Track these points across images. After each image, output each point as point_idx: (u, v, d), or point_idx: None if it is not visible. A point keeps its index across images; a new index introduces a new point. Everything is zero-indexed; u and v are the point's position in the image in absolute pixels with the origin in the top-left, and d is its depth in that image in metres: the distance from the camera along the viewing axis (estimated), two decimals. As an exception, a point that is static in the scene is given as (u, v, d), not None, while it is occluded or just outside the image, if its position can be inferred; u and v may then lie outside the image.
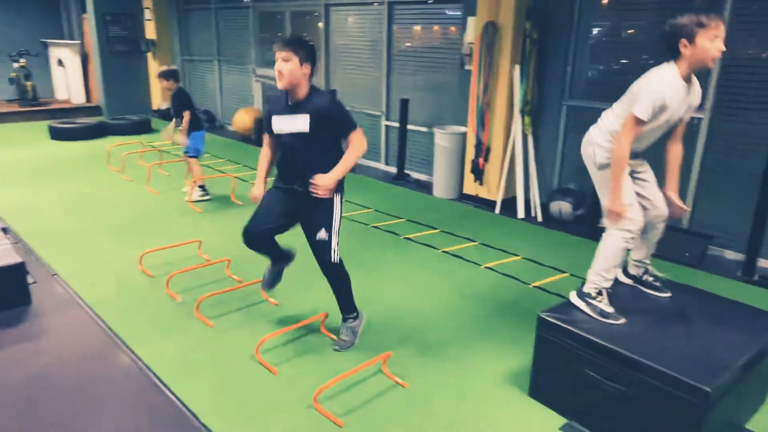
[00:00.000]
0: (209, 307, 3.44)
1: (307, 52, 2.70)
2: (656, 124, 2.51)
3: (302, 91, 2.74)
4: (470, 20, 5.72)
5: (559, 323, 2.52)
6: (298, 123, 2.74)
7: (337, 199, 2.84)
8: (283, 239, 3.06)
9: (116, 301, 3.53)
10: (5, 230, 4.09)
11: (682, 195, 4.84)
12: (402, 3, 6.71)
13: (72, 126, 8.64)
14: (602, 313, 2.60)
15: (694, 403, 2.10)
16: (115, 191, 5.97)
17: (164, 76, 5.51)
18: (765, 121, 4.35)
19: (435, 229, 5.05)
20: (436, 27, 6.56)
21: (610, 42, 5.24)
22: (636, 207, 2.62)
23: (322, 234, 2.81)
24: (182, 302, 3.53)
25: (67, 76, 11.18)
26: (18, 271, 3.39)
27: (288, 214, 2.91)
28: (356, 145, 2.78)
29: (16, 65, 10.40)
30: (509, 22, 5.30)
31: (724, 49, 2.41)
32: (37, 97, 10.58)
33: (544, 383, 2.65)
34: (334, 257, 2.86)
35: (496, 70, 5.49)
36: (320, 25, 7.80)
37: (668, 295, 2.84)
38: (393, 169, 7.09)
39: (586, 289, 2.69)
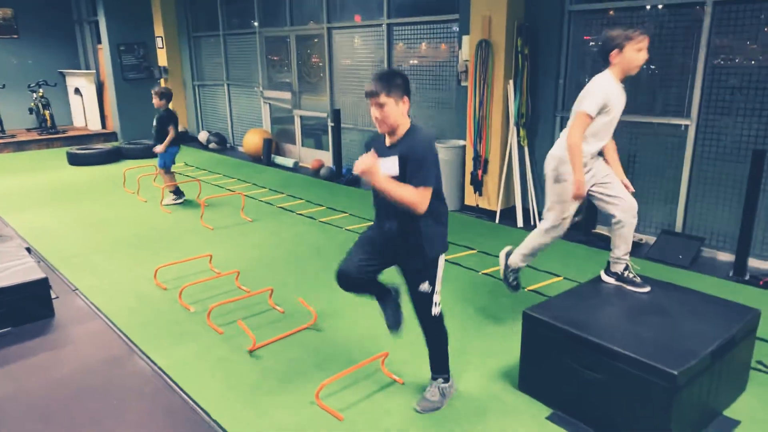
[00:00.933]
0: (219, 315, 3.67)
1: (399, 88, 2.38)
2: (604, 120, 2.95)
3: (399, 132, 2.45)
4: (465, 39, 5.98)
5: (542, 318, 2.71)
6: (388, 165, 2.40)
7: (441, 258, 2.58)
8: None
9: (133, 313, 3.77)
10: (29, 250, 4.36)
11: (673, 199, 5.03)
12: (400, 24, 7.00)
13: (89, 152, 9.01)
14: (632, 282, 3.07)
15: (663, 387, 2.26)
16: (131, 211, 6.26)
17: (161, 95, 6.13)
18: (750, 124, 4.52)
19: (435, 239, 5.25)
20: (433, 46, 6.83)
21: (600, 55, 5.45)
22: (568, 220, 3.18)
23: (425, 286, 2.56)
24: (194, 312, 3.76)
25: (84, 104, 11.64)
26: (42, 287, 3.65)
27: (381, 254, 2.65)
28: (413, 195, 2.35)
29: (35, 95, 10.88)
30: (501, 40, 5.55)
31: (647, 57, 2.88)
32: (55, 125, 11.03)
33: (531, 376, 2.83)
34: (435, 311, 2.61)
35: (490, 85, 5.73)
36: (324, 46, 8.13)
37: (647, 290, 3.01)
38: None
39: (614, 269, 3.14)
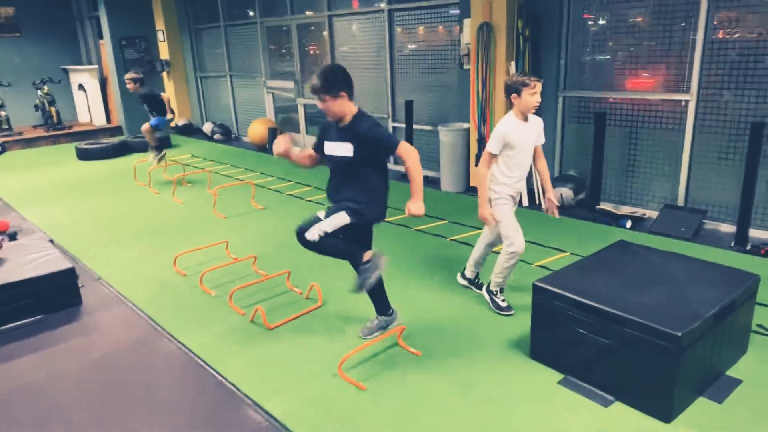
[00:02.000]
0: (239, 299, 3.82)
1: (335, 87, 2.83)
2: (511, 153, 3.34)
3: (346, 119, 2.92)
4: (466, 22, 6.05)
5: (551, 288, 2.84)
6: (342, 149, 2.91)
7: (346, 215, 2.98)
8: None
9: (156, 299, 3.92)
10: (52, 242, 4.50)
11: (675, 174, 5.14)
12: (401, 9, 7.06)
13: (97, 146, 9.14)
14: (498, 307, 3.56)
15: (668, 348, 2.40)
16: (143, 203, 6.40)
17: (135, 81, 6.67)
18: (748, 97, 4.61)
19: (443, 220, 5.39)
20: (434, 30, 6.90)
21: (600, 34, 5.54)
22: (519, 231, 3.42)
23: (320, 214, 3.01)
24: (215, 296, 3.91)
25: (88, 100, 11.74)
26: (69, 276, 3.80)
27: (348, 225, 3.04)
28: (410, 158, 2.85)
29: (40, 92, 10.98)
30: (502, 22, 5.63)
31: (539, 101, 3.28)
32: (61, 121, 11.14)
33: (542, 345, 2.97)
34: (312, 237, 2.95)
35: (493, 67, 5.82)
36: (325, 34, 8.20)
37: (512, 313, 3.52)
38: (401, 168, 7.43)
39: (492, 287, 3.61)
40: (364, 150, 2.90)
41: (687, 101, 4.92)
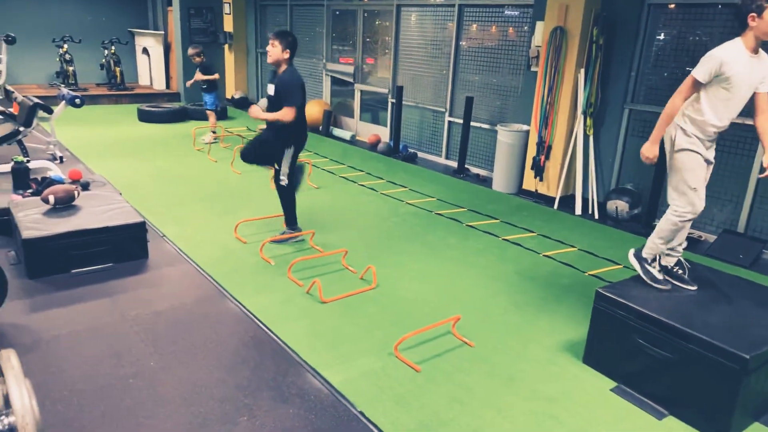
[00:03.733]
0: (297, 271, 3.94)
1: (287, 42, 4.09)
2: (724, 90, 2.77)
3: (281, 69, 4.14)
4: (538, 24, 6.03)
5: (614, 297, 2.87)
6: (270, 89, 4.18)
7: (288, 151, 4.24)
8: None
9: (218, 262, 4.08)
10: (120, 194, 4.70)
11: (738, 199, 5.04)
12: (472, 5, 7.06)
13: (158, 110, 9.42)
14: (653, 278, 3.06)
15: (733, 369, 2.41)
16: (202, 170, 6.60)
17: (199, 54, 7.73)
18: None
19: (495, 219, 5.42)
20: (503, 29, 6.88)
21: (674, 49, 5.45)
22: (701, 193, 2.95)
23: (277, 165, 4.28)
24: (274, 265, 4.05)
25: (150, 64, 12.07)
26: (140, 229, 3.98)
27: (260, 144, 4.52)
28: (282, 113, 4.05)
29: (107, 52, 11.36)
30: (577, 28, 5.59)
31: None
32: (124, 81, 11.50)
33: (598, 351, 3.00)
34: (282, 182, 4.28)
35: (561, 72, 5.79)
36: (389, 23, 8.25)
37: (695, 288, 3.06)
38: (453, 163, 7.47)
39: (644, 254, 3.15)
40: (278, 93, 4.09)
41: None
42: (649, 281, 3.07)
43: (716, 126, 2.91)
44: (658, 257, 3.17)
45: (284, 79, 4.08)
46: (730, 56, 2.75)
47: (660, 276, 3.08)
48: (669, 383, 2.67)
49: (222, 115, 9.99)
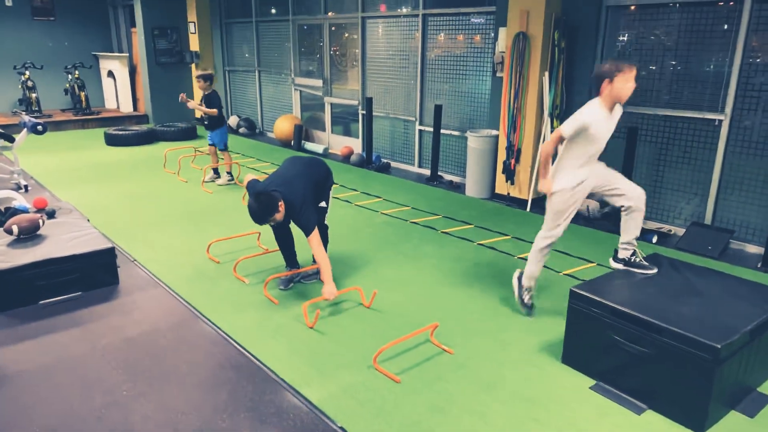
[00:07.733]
0: (272, 288, 3.89)
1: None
2: (585, 143, 3.17)
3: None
4: (501, 30, 6.11)
5: (588, 295, 2.89)
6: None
7: None
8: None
9: (191, 283, 4.01)
10: (88, 221, 4.60)
11: (704, 192, 5.16)
12: (436, 15, 7.14)
13: (125, 133, 9.28)
14: (642, 266, 3.28)
15: (706, 360, 2.45)
16: (173, 191, 6.51)
17: (204, 78, 6.53)
18: (783, 121, 4.63)
19: (469, 224, 5.44)
20: (468, 37, 6.97)
21: (636, 49, 5.58)
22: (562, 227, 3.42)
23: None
24: (249, 284, 3.99)
25: (117, 87, 11.91)
26: (109, 255, 3.89)
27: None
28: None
29: (70, 77, 11.17)
30: (539, 33, 5.68)
31: (635, 86, 3.07)
32: (89, 106, 11.31)
33: (575, 349, 3.02)
34: None
35: (526, 76, 5.88)
36: (354, 36, 8.29)
37: (655, 271, 3.23)
38: (426, 171, 7.51)
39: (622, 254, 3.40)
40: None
41: (720, 120, 4.95)
42: (642, 271, 3.26)
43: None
44: (635, 251, 3.35)
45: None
46: (592, 118, 3.11)
47: (646, 263, 3.29)
48: (646, 378, 2.70)
49: (192, 135, 9.90)
